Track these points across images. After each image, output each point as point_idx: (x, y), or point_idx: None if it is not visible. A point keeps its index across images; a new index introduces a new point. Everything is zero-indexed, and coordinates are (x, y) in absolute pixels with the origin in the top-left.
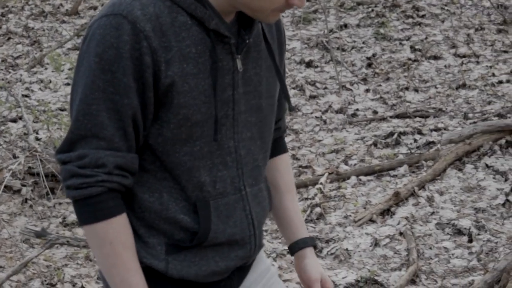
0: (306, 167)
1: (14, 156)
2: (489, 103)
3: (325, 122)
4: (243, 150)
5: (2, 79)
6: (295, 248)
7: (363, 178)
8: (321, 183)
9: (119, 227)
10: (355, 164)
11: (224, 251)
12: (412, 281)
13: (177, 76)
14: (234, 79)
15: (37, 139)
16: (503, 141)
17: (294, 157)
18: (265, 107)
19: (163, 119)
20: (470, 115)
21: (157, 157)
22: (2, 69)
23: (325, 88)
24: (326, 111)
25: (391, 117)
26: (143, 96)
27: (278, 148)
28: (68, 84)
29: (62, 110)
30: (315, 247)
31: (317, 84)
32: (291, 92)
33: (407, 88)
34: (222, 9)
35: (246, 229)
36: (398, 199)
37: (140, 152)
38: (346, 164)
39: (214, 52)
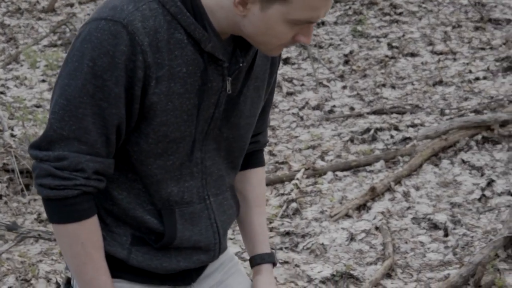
0: (282, 163)
1: None
2: (466, 99)
3: (302, 118)
4: (208, 161)
5: None
6: (252, 262)
7: (339, 173)
8: (297, 179)
9: (91, 228)
10: (331, 160)
11: (187, 253)
12: (388, 275)
13: (163, 95)
14: (220, 99)
15: (12, 135)
16: (479, 137)
17: (270, 153)
18: (242, 126)
19: (143, 132)
20: (447, 111)
21: (131, 162)
22: None
23: (302, 85)
24: (303, 107)
25: (368, 113)
26: (130, 107)
27: (254, 161)
28: (44, 80)
29: (37, 106)
30: (274, 264)
31: (294, 81)
32: None
33: (384, 85)
34: (222, 30)
35: (211, 237)
36: (374, 194)
37: (116, 151)
38: (323, 160)
39: (205, 74)
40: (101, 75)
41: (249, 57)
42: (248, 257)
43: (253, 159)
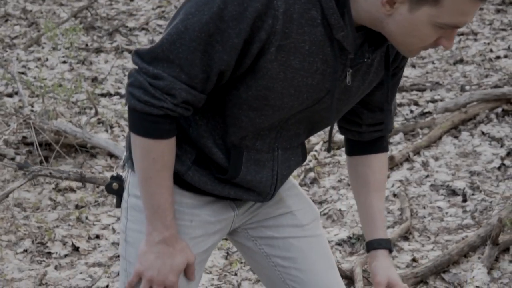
0: None
1: (8, 125)
2: (486, 76)
3: None
4: (292, 124)
5: None
6: (369, 247)
7: None
8: (315, 151)
9: (166, 149)
10: None
11: (241, 190)
12: (405, 238)
13: (278, 64)
14: (334, 87)
15: (32, 111)
16: (499, 110)
17: None
18: (341, 111)
19: (246, 83)
20: (467, 87)
21: (224, 99)
22: None
23: None
24: None
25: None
26: (241, 60)
27: (377, 146)
28: (64, 62)
29: (60, 85)
30: (390, 250)
31: None
32: None
33: None
34: (359, 22)
35: (268, 187)
36: (393, 164)
37: (221, 89)
38: None
39: (327, 59)
40: (227, 20)
41: (375, 54)
42: None
43: (376, 145)
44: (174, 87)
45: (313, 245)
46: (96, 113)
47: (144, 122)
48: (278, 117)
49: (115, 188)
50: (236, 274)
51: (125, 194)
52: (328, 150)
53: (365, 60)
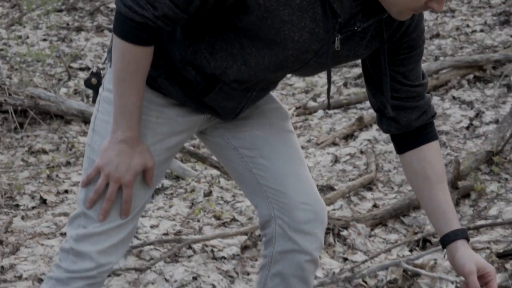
0: None
1: None
2: (461, 48)
3: None
4: (276, 77)
5: None
6: (446, 241)
7: (330, 111)
8: None
9: (141, 55)
10: (323, 101)
11: (205, 107)
12: (369, 188)
13: (265, 11)
14: (321, 50)
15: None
16: (471, 76)
17: None
18: (319, 71)
19: (239, 16)
20: (441, 58)
21: (219, 25)
22: None
23: None
24: None
25: None
26: None
27: (426, 135)
28: (45, 39)
29: (38, 61)
30: (467, 239)
31: None
32: None
33: None
34: None
35: (230, 114)
36: (362, 125)
37: (214, 14)
38: (315, 101)
39: (316, 18)
40: None
41: (367, 25)
42: None
43: (424, 134)
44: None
45: (281, 139)
46: (69, 77)
47: (125, 26)
48: (263, 57)
49: (94, 83)
50: (198, 221)
51: (100, 89)
52: (328, 107)
53: (355, 28)
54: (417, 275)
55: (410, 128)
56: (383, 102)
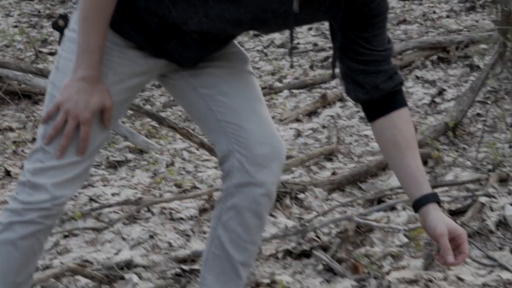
0: None
1: None
2: (427, 32)
3: (266, 54)
4: (236, 33)
5: None
6: (418, 205)
7: (295, 91)
8: None
9: None
10: (289, 82)
11: (164, 53)
12: (329, 159)
13: None
14: (279, 10)
15: None
16: (434, 57)
17: None
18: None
19: None
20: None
21: None
22: None
23: None
24: (268, 46)
25: (330, 47)
26: None
27: (395, 102)
28: (16, 26)
29: (7, 46)
30: (439, 203)
31: None
32: None
33: None
34: None
35: (191, 62)
36: (325, 102)
37: None
38: (281, 82)
39: None
40: None
41: None
42: None
43: (393, 101)
44: None
45: (240, 78)
46: (37, 56)
47: None
48: (227, 17)
49: (61, 25)
50: (159, 189)
51: (66, 30)
52: (291, 66)
53: None
54: (370, 230)
55: (377, 92)
56: (350, 67)
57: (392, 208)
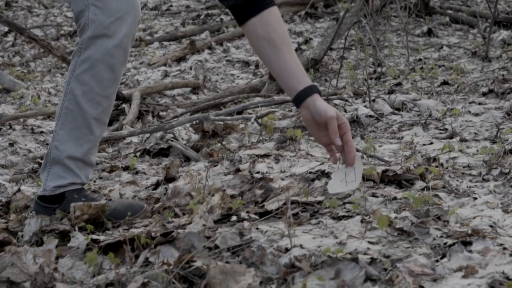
0: None
1: None
2: None
3: None
4: None
5: None
6: (302, 97)
7: (165, 43)
8: None
9: None
10: (159, 36)
11: None
12: (195, 93)
13: None
14: None
15: None
16: (302, 13)
17: None
18: None
19: None
20: None
21: None
22: None
23: None
24: (141, 8)
25: (202, 9)
26: None
27: (263, 1)
28: None
29: None
30: (320, 94)
31: None
32: None
33: None
34: None
35: None
36: (194, 49)
37: None
38: (152, 36)
39: None
40: None
41: None
42: None
43: (262, 0)
44: None
45: None
46: None
47: None
48: None
49: None
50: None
51: None
52: None
53: None
54: (229, 134)
55: None
56: None
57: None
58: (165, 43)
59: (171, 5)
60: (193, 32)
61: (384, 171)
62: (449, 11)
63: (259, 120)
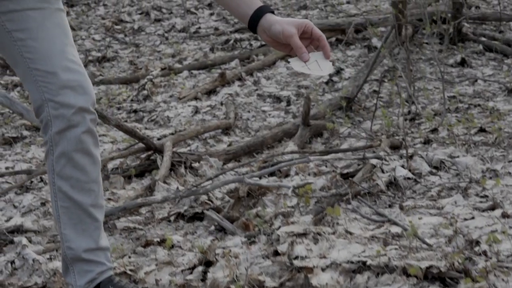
0: (141, 68)
1: None
2: (327, 17)
3: (167, 38)
4: None
5: None
6: (255, 20)
7: (195, 71)
8: (152, 75)
9: None
10: (189, 63)
11: None
12: (226, 133)
13: None
14: None
15: None
16: (333, 39)
17: (131, 63)
18: None
19: None
20: None
21: None
22: None
23: (171, 12)
24: (170, 30)
25: (231, 32)
26: None
27: None
28: None
29: None
30: (273, 12)
31: (163, 10)
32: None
33: None
34: None
35: None
36: (224, 81)
37: None
38: (181, 64)
39: None
40: None
41: None
42: None
43: None
44: None
45: (51, 17)
46: None
47: None
48: None
49: None
50: None
51: None
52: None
53: None
54: (263, 194)
55: None
56: None
57: (286, 175)
58: (195, 71)
59: (199, 27)
60: (222, 60)
61: (428, 267)
62: (483, 38)
63: (297, 191)
